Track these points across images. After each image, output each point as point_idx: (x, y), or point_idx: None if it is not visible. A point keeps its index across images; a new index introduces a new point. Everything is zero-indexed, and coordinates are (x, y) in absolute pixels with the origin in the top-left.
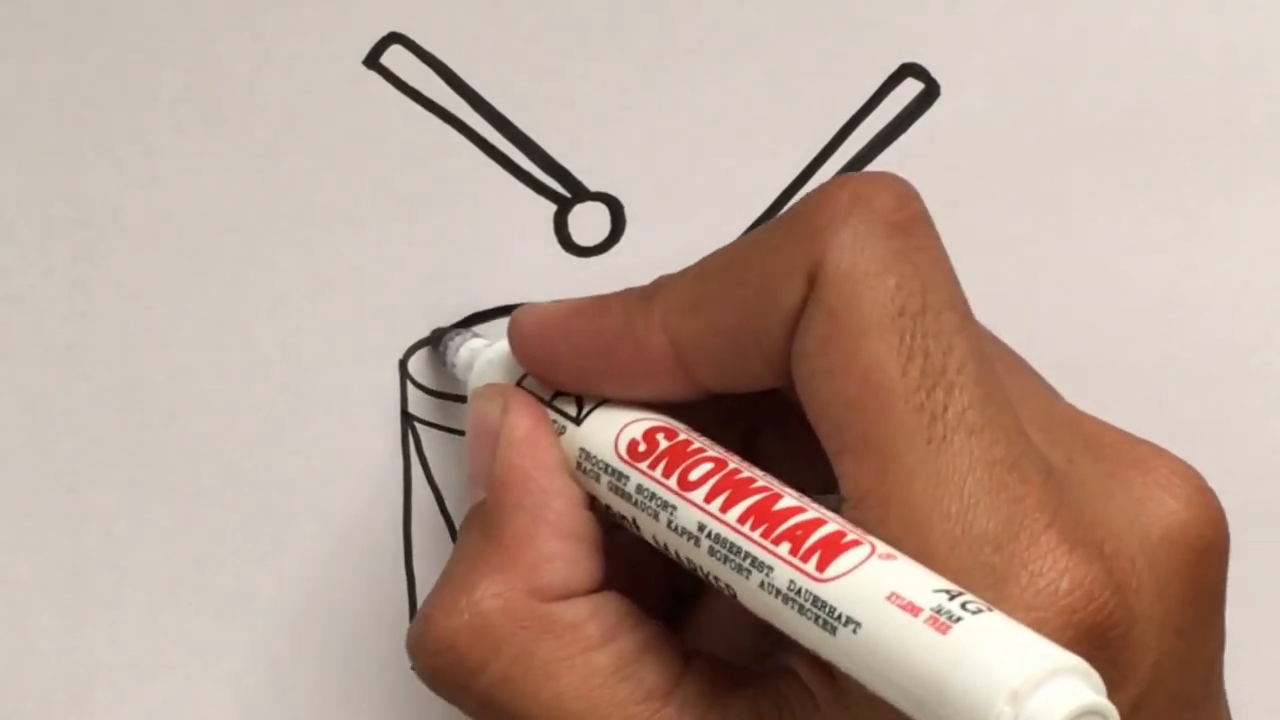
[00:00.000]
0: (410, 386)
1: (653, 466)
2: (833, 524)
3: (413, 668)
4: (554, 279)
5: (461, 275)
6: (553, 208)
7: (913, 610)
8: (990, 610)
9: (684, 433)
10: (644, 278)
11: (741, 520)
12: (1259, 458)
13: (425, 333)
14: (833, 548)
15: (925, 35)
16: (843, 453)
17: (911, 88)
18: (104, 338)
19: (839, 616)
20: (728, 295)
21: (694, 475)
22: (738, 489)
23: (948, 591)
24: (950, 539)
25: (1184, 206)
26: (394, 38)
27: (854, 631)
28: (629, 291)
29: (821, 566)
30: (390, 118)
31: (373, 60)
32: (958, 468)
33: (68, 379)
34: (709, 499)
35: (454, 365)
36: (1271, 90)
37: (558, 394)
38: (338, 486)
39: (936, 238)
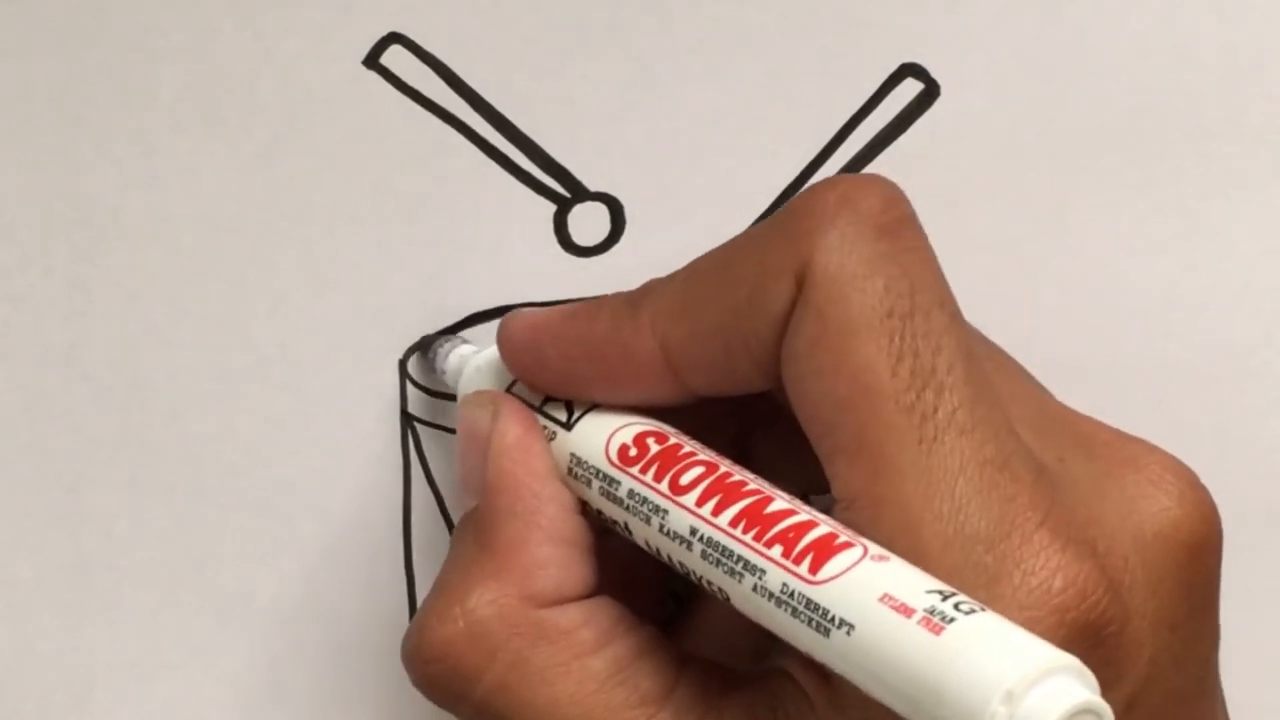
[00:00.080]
0: (410, 386)
1: (644, 471)
2: (825, 526)
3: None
4: (554, 279)
5: (461, 275)
6: (553, 208)
7: (906, 611)
8: (983, 610)
9: (675, 436)
10: (644, 278)
11: (733, 524)
12: (1259, 458)
13: (426, 332)
14: (825, 550)
15: (925, 35)
16: (834, 454)
17: (911, 88)
18: (104, 338)
19: (832, 619)
20: (716, 299)
21: (685, 479)
22: (729, 492)
23: (941, 592)
24: (942, 539)
25: (1184, 206)
26: (394, 38)
27: (847, 634)
28: (617, 296)
29: (814, 569)
30: (390, 118)
31: (373, 60)
32: (949, 468)
33: (68, 379)
34: (700, 503)
35: (443, 372)
36: (1271, 90)
37: (548, 399)
38: (338, 486)
39: (924, 239)
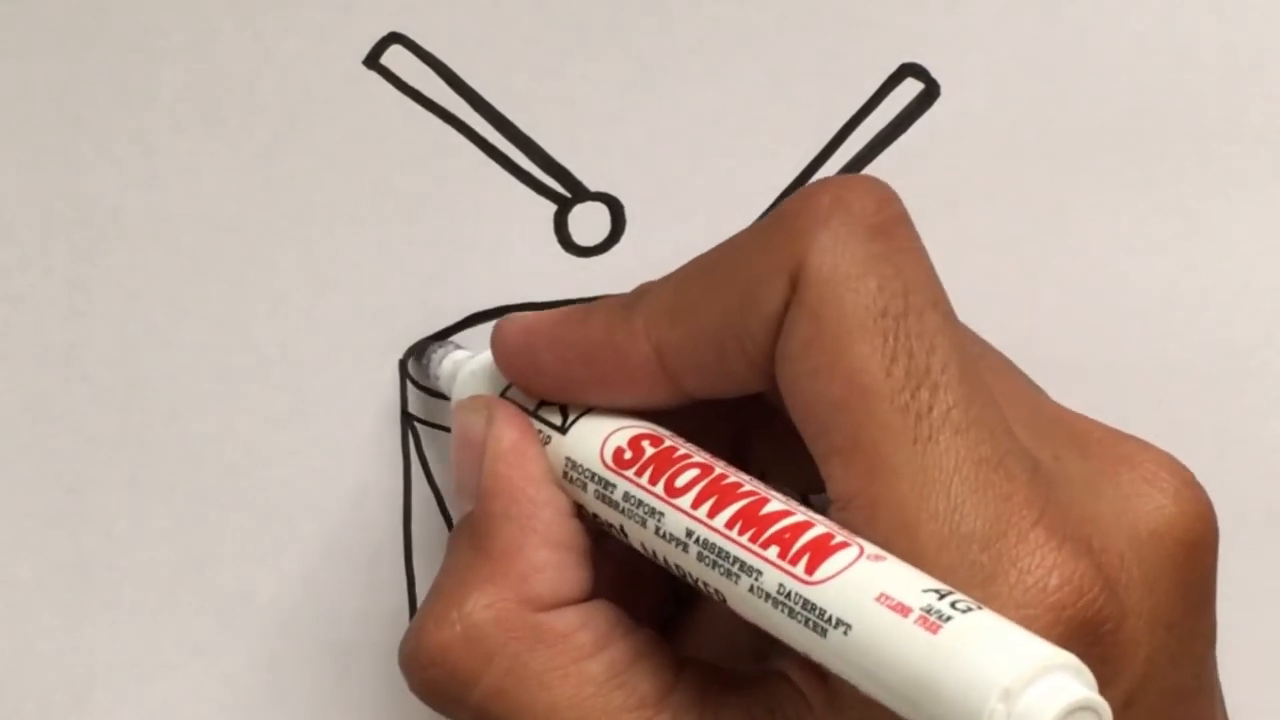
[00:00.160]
0: (410, 386)
1: (639, 473)
2: (821, 526)
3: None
4: (554, 279)
5: (461, 275)
6: (553, 208)
7: (902, 611)
8: (980, 609)
9: (669, 439)
10: (644, 278)
11: (729, 525)
12: (1259, 458)
13: (425, 333)
14: (821, 550)
15: (925, 35)
16: (829, 455)
17: (911, 88)
18: (104, 338)
19: (829, 619)
20: (709, 300)
21: (680, 481)
22: (725, 494)
23: (937, 591)
24: (938, 538)
25: (1184, 206)
26: (394, 38)
27: (844, 633)
28: (611, 299)
29: (810, 569)
30: (390, 118)
31: (373, 60)
32: (944, 467)
33: (68, 379)
34: (696, 504)
35: (437, 378)
36: (1271, 90)
37: (542, 404)
38: (338, 486)
39: (917, 239)
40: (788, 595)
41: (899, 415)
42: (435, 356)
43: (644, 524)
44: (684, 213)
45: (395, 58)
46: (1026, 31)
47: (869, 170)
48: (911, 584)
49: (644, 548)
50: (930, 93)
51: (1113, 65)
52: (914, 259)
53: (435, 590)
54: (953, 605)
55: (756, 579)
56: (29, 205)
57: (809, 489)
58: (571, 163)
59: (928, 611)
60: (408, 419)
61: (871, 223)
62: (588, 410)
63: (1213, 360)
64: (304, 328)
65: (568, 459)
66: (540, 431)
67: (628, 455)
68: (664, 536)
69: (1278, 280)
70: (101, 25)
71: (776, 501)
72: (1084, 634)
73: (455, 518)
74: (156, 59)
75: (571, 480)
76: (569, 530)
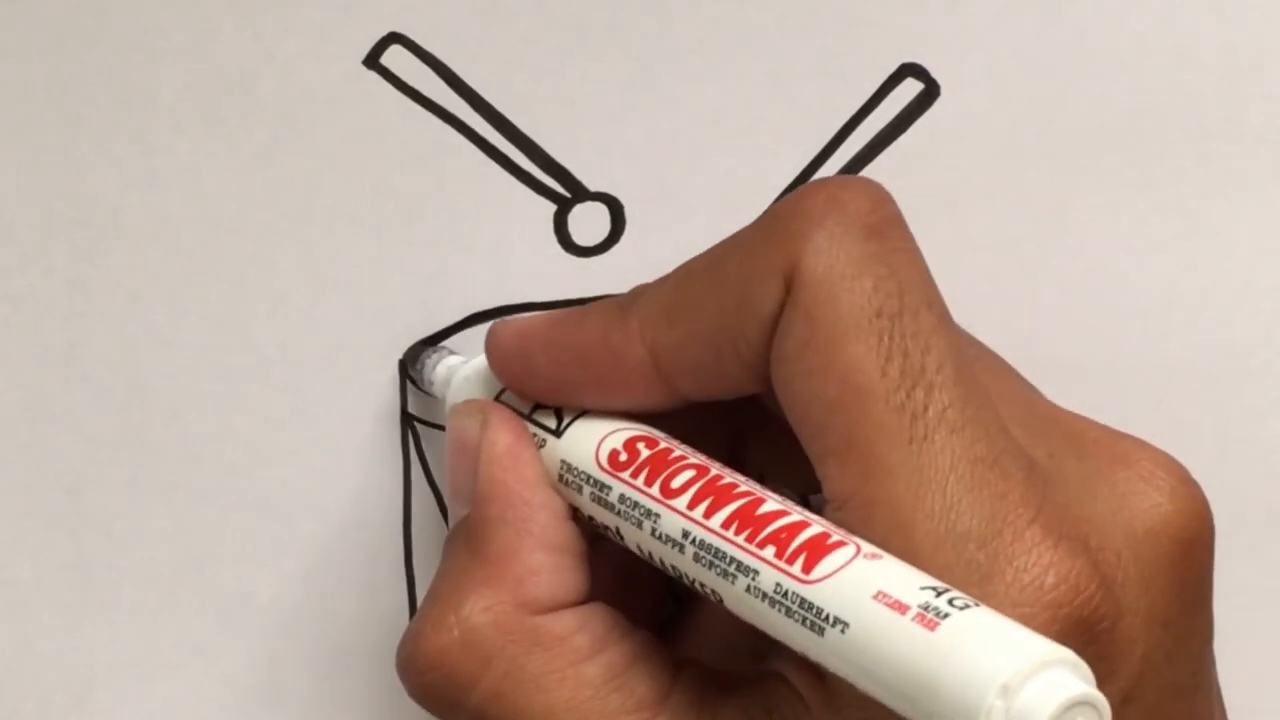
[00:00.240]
0: (410, 386)
1: (635, 475)
2: (817, 526)
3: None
4: (554, 279)
5: (461, 275)
6: (553, 208)
7: (900, 608)
8: (978, 605)
9: (665, 441)
10: (644, 278)
11: (725, 525)
12: (1259, 458)
13: (425, 333)
14: (818, 549)
15: (925, 35)
16: (825, 455)
17: (911, 88)
18: (104, 338)
19: (826, 617)
20: (704, 302)
21: (676, 483)
22: (721, 495)
23: (934, 588)
24: (934, 537)
25: (1184, 206)
26: (394, 38)
27: (842, 632)
28: (606, 302)
29: (807, 568)
30: (390, 118)
31: (373, 60)
32: (940, 466)
33: (68, 379)
34: (692, 505)
35: (430, 383)
36: (1271, 90)
37: (537, 407)
38: (338, 486)
39: (911, 240)
40: (785, 594)
41: (894, 415)
42: (429, 363)
43: (640, 525)
44: (684, 213)
45: (395, 58)
46: (1026, 31)
47: (869, 170)
48: (909, 581)
49: (640, 549)
50: (930, 93)
51: (1113, 65)
52: (908, 259)
53: (432, 594)
54: (950, 602)
55: (753, 579)
56: (29, 205)
57: (806, 490)
58: (571, 163)
59: (925, 609)
60: (408, 419)
61: (866, 223)
62: (582, 413)
63: (1213, 360)
64: (304, 328)
65: (563, 462)
66: (535, 435)
67: (623, 457)
68: (660, 538)
69: (1278, 280)
70: (101, 25)
71: (773, 501)
72: (1081, 632)
73: (450, 522)
74: (156, 59)
75: (567, 483)
76: (565, 533)
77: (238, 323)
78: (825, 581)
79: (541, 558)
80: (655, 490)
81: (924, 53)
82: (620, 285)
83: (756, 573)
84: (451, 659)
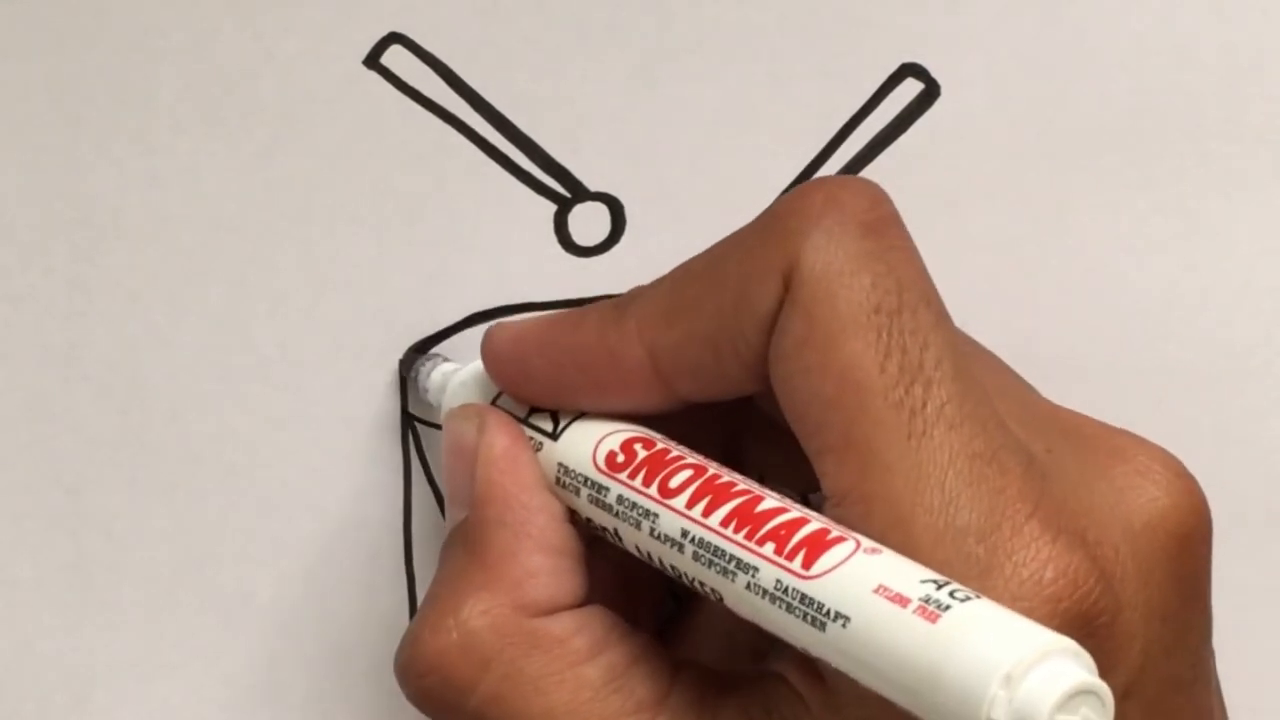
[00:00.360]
0: (410, 386)
1: (632, 476)
2: (816, 522)
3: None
4: (554, 279)
5: (461, 275)
6: (553, 208)
7: (901, 601)
8: (979, 597)
9: (662, 442)
10: (644, 278)
11: (724, 523)
12: (1259, 458)
13: (425, 333)
14: (818, 545)
15: (925, 35)
16: (823, 452)
17: (911, 88)
18: (104, 338)
19: (827, 612)
20: (703, 302)
21: (674, 482)
22: (719, 493)
23: (935, 581)
24: (933, 533)
25: (1184, 206)
26: (394, 38)
27: (843, 626)
28: (603, 304)
29: (807, 564)
30: (390, 118)
31: (373, 60)
32: (938, 462)
33: (68, 379)
34: (690, 504)
35: (426, 390)
36: (1271, 90)
37: (533, 411)
38: (338, 486)
39: (909, 238)
40: (785, 591)
41: (892, 411)
42: (423, 370)
43: (638, 526)
44: (684, 213)
45: (395, 58)
46: (1026, 31)
47: (869, 170)
48: (909, 575)
49: (639, 550)
50: (930, 93)
51: (1113, 65)
52: (906, 257)
53: (430, 598)
54: (951, 595)
55: (753, 576)
56: (29, 205)
57: (805, 489)
58: (571, 163)
59: (926, 601)
60: (408, 419)
61: (864, 221)
62: (579, 416)
63: (1213, 360)
64: (304, 328)
65: (560, 465)
66: (532, 439)
67: (620, 459)
68: (659, 538)
69: (1278, 280)
70: (101, 25)
71: (771, 499)
72: (1080, 626)
73: (447, 526)
74: (156, 59)
75: (564, 486)
76: (563, 535)
77: (238, 323)
78: (826, 577)
79: (540, 560)
80: (653, 490)
81: (924, 53)
82: (620, 285)
83: (756, 570)
84: (450, 662)
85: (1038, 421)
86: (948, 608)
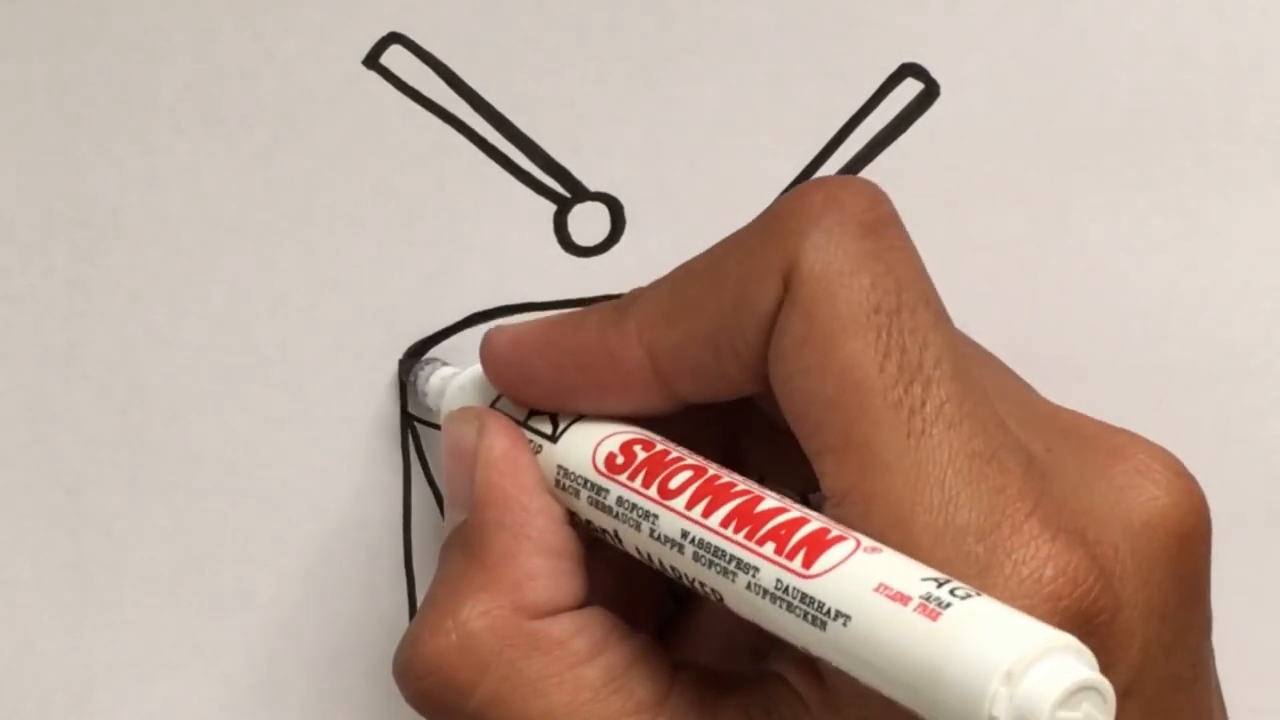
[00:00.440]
0: (410, 386)
1: (632, 478)
2: (816, 522)
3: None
4: (554, 279)
5: (461, 275)
6: (553, 208)
7: (901, 600)
8: (979, 595)
9: (661, 443)
10: (644, 278)
11: (724, 524)
12: (1259, 458)
13: (426, 332)
14: (818, 544)
15: (925, 35)
16: (823, 452)
17: (911, 88)
18: (104, 338)
19: (828, 611)
20: (703, 302)
21: (674, 483)
22: (719, 494)
23: (935, 579)
24: (933, 531)
25: (1184, 206)
26: (394, 38)
27: (844, 625)
28: (602, 305)
29: (807, 563)
30: (390, 118)
31: (373, 60)
32: (937, 461)
33: (68, 379)
34: (690, 505)
35: (425, 394)
36: (1271, 90)
37: (532, 413)
38: (338, 486)
39: (908, 238)
40: (785, 590)
41: (892, 410)
42: (422, 374)
43: (638, 527)
44: (684, 213)
45: (395, 58)
46: (1026, 31)
47: (869, 170)
48: (910, 573)
49: (639, 551)
50: (930, 93)
51: (1113, 65)
52: (905, 257)
53: (429, 600)
54: (951, 592)
55: (754, 576)
56: (29, 205)
57: (805, 490)
58: (571, 163)
59: (927, 599)
60: (408, 419)
61: (863, 221)
62: (578, 418)
63: (1213, 360)
64: (304, 328)
65: (560, 467)
66: (531, 441)
67: (620, 460)
68: (659, 538)
69: (1278, 280)
70: (101, 25)
71: (771, 499)
72: (1080, 625)
73: (446, 528)
74: (156, 59)
75: (564, 488)
76: (562, 537)
77: (238, 323)
78: (826, 576)
79: (539, 562)
80: (653, 491)
81: (924, 53)
82: (620, 285)
83: (757, 570)
84: (449, 664)
85: (1037, 421)
86: (948, 605)
